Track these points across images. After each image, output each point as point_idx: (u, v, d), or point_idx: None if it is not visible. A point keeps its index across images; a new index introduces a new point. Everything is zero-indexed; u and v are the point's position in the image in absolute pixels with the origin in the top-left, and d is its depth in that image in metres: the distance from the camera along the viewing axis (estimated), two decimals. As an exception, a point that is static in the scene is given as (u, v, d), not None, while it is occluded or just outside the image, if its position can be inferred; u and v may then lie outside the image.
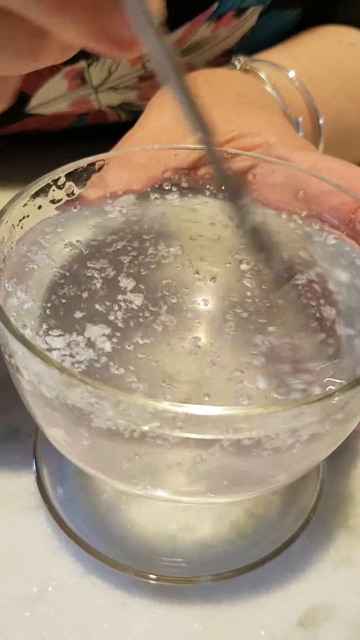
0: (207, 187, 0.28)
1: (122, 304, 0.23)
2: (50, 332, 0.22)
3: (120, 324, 0.22)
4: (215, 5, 0.37)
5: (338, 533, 0.27)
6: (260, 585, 0.25)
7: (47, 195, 0.25)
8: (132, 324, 0.22)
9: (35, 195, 0.24)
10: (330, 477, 0.29)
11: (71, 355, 0.21)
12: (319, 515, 0.27)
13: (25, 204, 0.24)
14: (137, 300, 0.23)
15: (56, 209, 0.26)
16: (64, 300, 0.23)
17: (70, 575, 0.25)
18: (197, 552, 0.26)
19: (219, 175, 0.18)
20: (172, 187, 0.28)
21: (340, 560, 0.26)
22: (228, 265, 0.25)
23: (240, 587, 0.25)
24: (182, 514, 0.27)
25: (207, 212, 0.28)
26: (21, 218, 0.24)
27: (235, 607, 0.25)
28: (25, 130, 0.45)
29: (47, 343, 0.21)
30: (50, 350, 0.21)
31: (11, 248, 0.24)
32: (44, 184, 0.24)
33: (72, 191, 0.26)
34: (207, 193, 0.28)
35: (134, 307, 0.23)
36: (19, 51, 0.17)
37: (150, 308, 0.23)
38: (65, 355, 0.21)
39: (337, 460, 0.29)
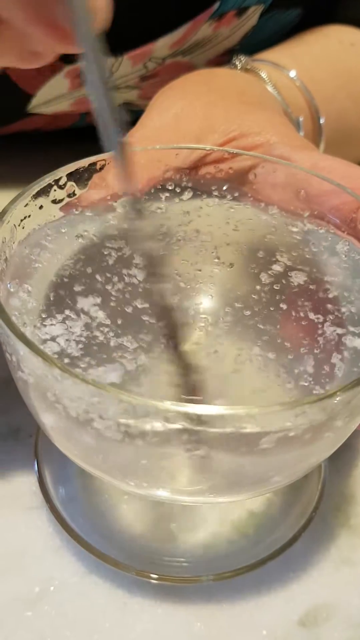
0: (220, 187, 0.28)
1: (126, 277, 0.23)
2: (46, 322, 0.22)
3: (118, 297, 0.23)
4: (216, 5, 0.37)
5: (339, 533, 0.27)
6: (262, 585, 0.25)
7: (48, 195, 0.25)
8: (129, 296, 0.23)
9: (37, 195, 0.24)
10: (332, 477, 0.29)
11: (73, 338, 0.21)
12: (320, 515, 0.27)
13: (27, 204, 0.24)
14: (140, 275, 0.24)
15: (61, 209, 0.26)
16: (66, 280, 0.23)
17: (71, 574, 0.25)
18: (199, 551, 0.26)
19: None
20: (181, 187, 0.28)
21: (341, 560, 0.26)
22: (260, 256, 0.25)
23: (242, 587, 0.25)
24: (183, 514, 0.27)
25: (243, 215, 0.28)
26: (22, 218, 0.24)
27: (237, 607, 0.25)
28: (26, 129, 0.45)
29: (48, 334, 0.21)
30: (54, 339, 0.21)
31: (13, 248, 0.24)
32: (46, 184, 0.24)
33: (74, 191, 0.26)
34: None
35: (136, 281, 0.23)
36: None
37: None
38: (68, 340, 0.21)
39: (339, 459, 0.29)
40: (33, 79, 0.39)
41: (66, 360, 0.21)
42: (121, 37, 0.37)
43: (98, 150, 0.26)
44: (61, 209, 0.25)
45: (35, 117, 0.43)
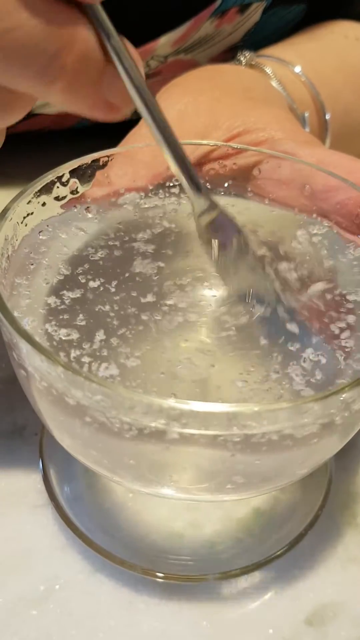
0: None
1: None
2: (49, 318, 0.22)
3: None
4: (218, 2, 0.37)
5: (346, 531, 0.27)
6: (268, 584, 0.25)
7: (51, 193, 0.25)
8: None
9: (40, 192, 0.24)
10: (339, 475, 0.29)
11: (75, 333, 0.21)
12: (327, 513, 0.27)
13: (29, 201, 0.24)
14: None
15: (62, 206, 0.25)
16: (68, 276, 0.23)
17: (77, 573, 0.25)
18: (205, 550, 0.26)
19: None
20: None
21: (348, 558, 0.26)
22: (263, 253, 0.25)
23: (248, 585, 0.25)
24: (189, 512, 0.27)
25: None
26: (25, 215, 0.24)
27: (243, 606, 0.24)
28: (31, 129, 0.45)
29: (51, 331, 0.21)
30: (58, 335, 0.21)
31: (16, 245, 0.23)
32: (48, 181, 0.24)
33: (76, 188, 0.26)
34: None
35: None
36: None
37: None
38: (71, 336, 0.21)
39: (345, 457, 0.29)
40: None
41: (66, 355, 0.21)
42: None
43: (100, 147, 0.26)
44: (62, 205, 0.25)
45: (40, 117, 0.43)
